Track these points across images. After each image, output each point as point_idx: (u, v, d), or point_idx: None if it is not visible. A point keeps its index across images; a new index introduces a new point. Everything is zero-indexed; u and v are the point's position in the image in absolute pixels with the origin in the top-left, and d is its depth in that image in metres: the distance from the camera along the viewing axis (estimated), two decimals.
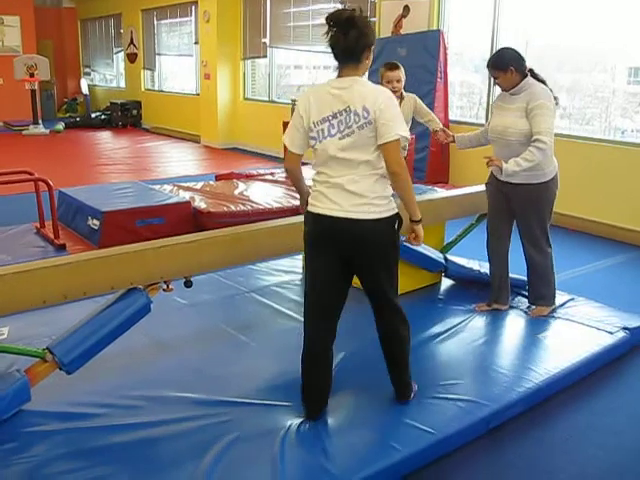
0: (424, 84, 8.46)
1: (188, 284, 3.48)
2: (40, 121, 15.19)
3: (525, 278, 4.37)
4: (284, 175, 8.53)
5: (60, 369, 3.08)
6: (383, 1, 9.44)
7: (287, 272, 5.08)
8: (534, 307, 4.32)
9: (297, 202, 6.79)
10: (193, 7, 13.56)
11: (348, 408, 3.16)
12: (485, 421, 3.09)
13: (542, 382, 3.39)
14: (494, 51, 7.96)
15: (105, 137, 14.62)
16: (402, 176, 2.79)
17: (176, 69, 15.60)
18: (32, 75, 14.86)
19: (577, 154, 6.85)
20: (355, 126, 2.74)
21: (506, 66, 3.86)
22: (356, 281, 3.00)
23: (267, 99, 12.49)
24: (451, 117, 8.76)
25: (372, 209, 2.80)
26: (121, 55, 17.36)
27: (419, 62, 8.57)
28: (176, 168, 10.80)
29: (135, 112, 16.36)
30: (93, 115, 16.43)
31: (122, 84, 17.80)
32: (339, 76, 2.83)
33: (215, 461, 2.73)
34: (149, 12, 15.54)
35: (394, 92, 4.52)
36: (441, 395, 3.23)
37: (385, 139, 2.74)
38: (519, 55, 3.92)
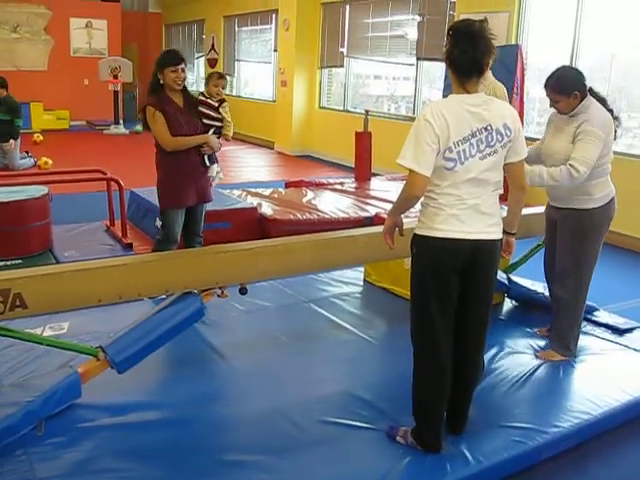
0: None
1: (243, 291, 3.48)
2: (121, 121, 15.62)
3: (594, 304, 4.22)
4: (354, 185, 8.52)
5: (111, 368, 3.12)
6: (461, 14, 9.31)
7: (347, 283, 5.04)
8: (547, 349, 3.90)
9: (364, 213, 6.83)
10: (274, 15, 13.70)
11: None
12: (537, 451, 2.97)
13: (600, 415, 3.24)
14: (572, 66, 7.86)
15: None
16: (526, 192, 2.91)
17: (254, 75, 15.79)
18: (116, 77, 15.29)
19: None
20: (499, 145, 2.67)
21: (570, 91, 3.51)
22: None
23: (342, 108, 12.49)
24: (528, 134, 8.56)
25: (499, 228, 2.78)
26: (202, 60, 17.68)
27: (497, 77, 8.39)
28: (248, 173, 10.90)
29: None
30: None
31: (201, 88, 18.05)
32: (464, 90, 2.67)
33: (263, 468, 2.73)
34: (231, 19, 15.79)
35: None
36: (494, 421, 3.13)
37: (521, 156, 2.79)
38: (582, 76, 3.59)
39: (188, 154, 4.31)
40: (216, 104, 4.46)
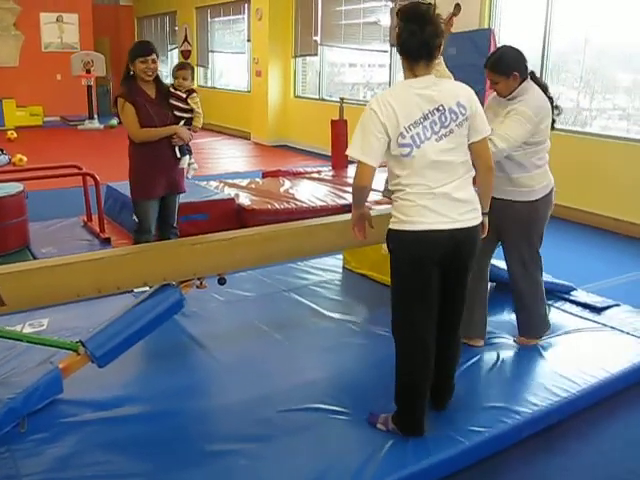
0: (474, 84, 8.28)
1: (222, 281, 3.48)
2: (95, 116, 15.50)
3: (571, 284, 4.26)
4: (330, 173, 8.53)
5: (92, 362, 3.11)
6: None
7: (326, 271, 5.05)
8: (520, 336, 3.85)
9: (341, 201, 6.84)
10: (246, 5, 13.64)
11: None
12: (518, 429, 3.01)
13: (579, 392, 3.28)
14: (545, 49, 7.90)
15: None
16: (494, 171, 2.92)
17: (229, 66, 15.72)
18: (88, 71, 15.16)
19: (637, 157, 6.64)
20: (453, 124, 2.62)
21: (509, 71, 3.38)
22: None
23: (317, 97, 12.48)
24: None
25: (477, 214, 2.74)
26: (175, 52, 17.56)
27: (469, 61, 8.41)
28: (224, 165, 10.87)
29: None
30: None
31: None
32: (412, 75, 2.66)
33: (247, 455, 2.75)
34: (203, 10, 15.69)
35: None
36: (475, 403, 3.17)
37: (483, 134, 2.74)
38: (523, 58, 3.47)
39: (159, 145, 4.30)
40: (184, 95, 4.44)
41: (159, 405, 3.17)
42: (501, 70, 3.39)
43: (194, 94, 4.48)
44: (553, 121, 3.53)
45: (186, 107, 4.43)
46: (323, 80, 12.41)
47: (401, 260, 2.73)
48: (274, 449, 2.83)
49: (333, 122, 9.18)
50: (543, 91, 3.48)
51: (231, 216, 6.31)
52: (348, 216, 3.85)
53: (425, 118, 2.59)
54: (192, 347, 3.76)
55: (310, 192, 7.23)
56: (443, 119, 2.60)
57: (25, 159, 9.85)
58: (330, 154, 9.40)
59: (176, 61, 17.50)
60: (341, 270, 5.07)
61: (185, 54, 16.71)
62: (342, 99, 9.47)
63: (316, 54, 12.25)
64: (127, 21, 19.64)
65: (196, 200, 6.14)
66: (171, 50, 18.00)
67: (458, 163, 2.66)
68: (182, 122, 4.40)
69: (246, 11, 13.80)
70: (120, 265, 3.08)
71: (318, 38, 12.07)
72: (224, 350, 3.74)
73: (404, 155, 2.59)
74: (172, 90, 4.44)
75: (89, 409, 3.14)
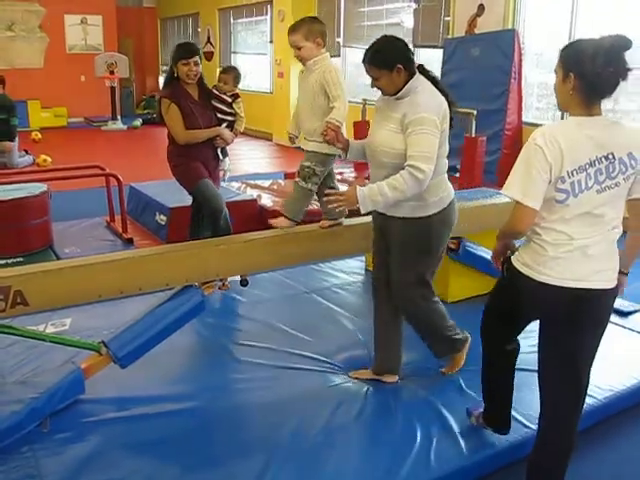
0: (498, 85, 8.27)
1: (243, 283, 3.48)
2: (118, 117, 15.59)
3: None
4: (353, 175, 8.50)
5: (114, 363, 3.12)
6: (458, 0, 9.28)
7: (349, 273, 5.03)
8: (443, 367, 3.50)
9: None
10: (268, 6, 13.65)
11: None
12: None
13: (605, 399, 3.23)
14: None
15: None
16: None
17: (251, 67, 15.75)
18: (112, 73, 15.26)
19: None
20: (621, 177, 2.29)
21: (391, 64, 2.90)
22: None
23: None
24: (527, 119, 8.54)
25: (610, 276, 2.37)
26: None
27: (493, 63, 8.39)
28: (247, 166, 10.88)
29: None
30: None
31: None
32: (586, 112, 2.29)
33: (274, 456, 2.75)
34: (226, 11, 15.73)
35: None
36: None
37: None
38: (407, 48, 3.00)
39: (201, 147, 4.31)
40: (230, 99, 4.46)
41: (181, 405, 3.17)
42: (382, 63, 2.92)
43: (239, 99, 4.51)
44: (451, 119, 3.01)
45: (230, 110, 4.45)
46: (345, 81, 12.36)
47: (517, 295, 2.50)
48: (302, 449, 2.83)
49: (355, 123, 9.15)
50: (435, 85, 3.01)
51: (253, 217, 6.31)
52: (371, 218, 3.85)
53: (591, 165, 2.27)
54: (214, 348, 3.76)
55: None
56: (610, 169, 2.28)
57: (49, 160, 9.93)
58: None
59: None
60: (363, 272, 5.04)
61: (208, 55, 16.76)
62: (365, 100, 9.43)
63: (338, 55, 12.22)
64: (150, 23, 19.74)
65: None
66: None
67: (609, 218, 2.33)
68: (224, 124, 4.42)
69: (269, 12, 13.82)
70: (142, 266, 3.08)
71: (340, 39, 12.06)
72: (246, 351, 3.73)
73: (558, 201, 2.29)
74: (216, 92, 4.45)
75: (111, 409, 3.15)
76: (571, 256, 2.31)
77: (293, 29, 3.36)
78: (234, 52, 15.78)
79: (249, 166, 10.87)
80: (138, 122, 15.56)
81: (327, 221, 3.62)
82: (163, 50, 20.01)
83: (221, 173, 4.60)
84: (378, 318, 3.39)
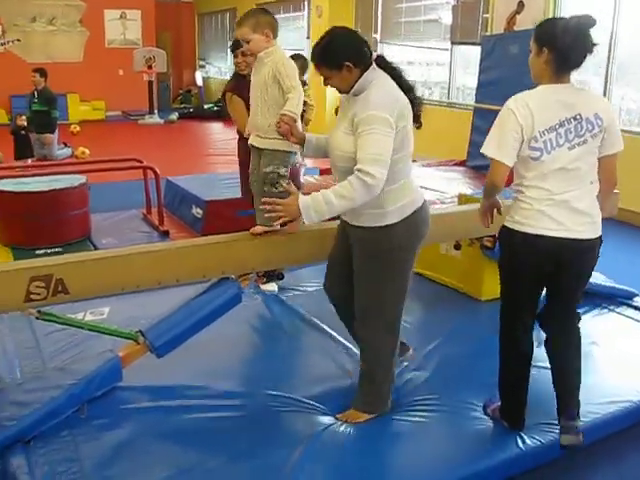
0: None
1: (280, 276, 3.50)
2: (155, 111, 15.76)
3: (633, 290, 4.12)
4: None
5: (151, 352, 3.17)
6: None
7: None
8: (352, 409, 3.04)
9: None
10: (306, 2, 13.68)
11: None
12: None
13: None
14: (611, 50, 7.69)
15: (216, 128, 14.98)
16: (615, 187, 2.81)
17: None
18: (150, 67, 15.43)
19: None
20: (588, 135, 2.58)
21: (339, 62, 2.66)
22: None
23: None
24: None
25: (594, 227, 2.65)
26: None
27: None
28: None
29: None
30: (206, 106, 16.89)
31: None
32: (557, 81, 2.59)
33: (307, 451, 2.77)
34: (263, 7, 15.76)
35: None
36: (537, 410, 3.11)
37: (617, 148, 2.68)
38: (357, 41, 2.73)
39: None
40: None
41: (215, 396, 3.21)
42: (328, 62, 2.70)
43: (306, 87, 4.46)
44: (417, 116, 2.79)
45: None
46: None
47: (507, 259, 2.76)
48: (341, 443, 2.85)
49: None
50: (397, 80, 2.75)
51: None
52: None
53: (561, 125, 2.56)
54: (251, 339, 3.80)
55: None
56: (579, 128, 2.57)
57: (87, 152, 10.08)
58: None
59: None
60: None
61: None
62: None
63: (376, 51, 12.18)
64: (188, 18, 19.89)
65: None
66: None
67: (583, 173, 2.61)
68: None
69: (306, 8, 13.84)
70: (180, 258, 3.11)
71: (377, 36, 12.04)
72: (282, 343, 3.78)
73: (533, 158, 2.57)
74: None
75: (146, 398, 3.20)
76: (556, 210, 2.58)
77: (239, 22, 3.24)
78: None
79: None
80: (174, 116, 15.71)
81: (261, 227, 3.26)
82: (200, 45, 20.15)
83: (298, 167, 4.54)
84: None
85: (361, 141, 2.59)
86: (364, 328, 2.96)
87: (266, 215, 2.81)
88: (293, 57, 4.61)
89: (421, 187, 7.18)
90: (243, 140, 4.26)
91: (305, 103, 4.38)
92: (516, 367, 2.87)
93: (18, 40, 15.95)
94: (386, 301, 2.86)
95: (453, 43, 10.28)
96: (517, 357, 2.86)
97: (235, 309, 3.31)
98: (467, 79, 10.56)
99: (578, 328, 2.83)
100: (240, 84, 4.28)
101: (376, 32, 12.05)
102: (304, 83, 4.49)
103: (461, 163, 8.97)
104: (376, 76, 2.70)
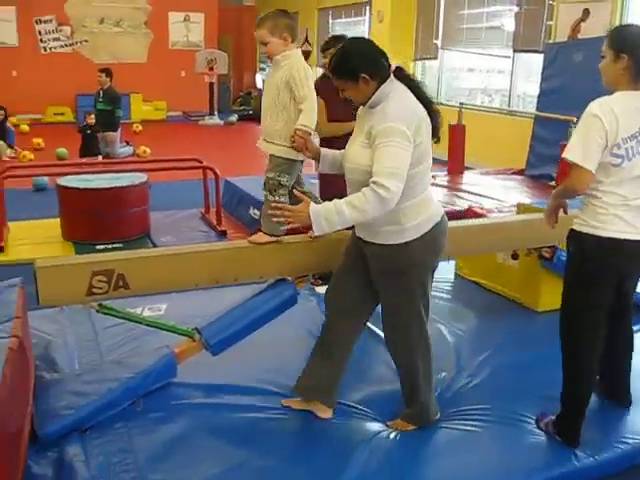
0: (601, 92, 8.02)
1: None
2: (215, 112, 15.98)
3: None
4: (446, 179, 8.44)
5: (206, 349, 3.21)
6: (561, 4, 9.07)
7: (438, 276, 4.93)
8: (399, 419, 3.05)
9: (456, 207, 6.73)
10: (367, 7, 13.69)
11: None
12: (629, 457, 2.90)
13: None
14: None
15: None
16: None
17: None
18: (211, 69, 15.66)
19: None
20: None
21: (354, 73, 2.61)
22: None
23: (435, 101, 12.32)
24: None
25: None
26: None
27: (596, 69, 8.11)
28: None
29: None
30: None
31: None
32: (637, 88, 2.61)
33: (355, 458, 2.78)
34: (325, 11, 15.86)
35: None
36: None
37: None
38: (375, 52, 2.66)
39: (345, 142, 4.28)
40: None
41: (266, 396, 3.23)
42: (345, 73, 2.65)
43: None
44: (435, 129, 2.72)
45: None
46: (442, 84, 12.29)
47: (579, 263, 2.76)
48: (392, 451, 2.85)
49: (451, 127, 9.06)
50: (415, 92, 2.69)
51: None
52: (464, 222, 3.83)
53: None
54: (304, 341, 3.79)
55: None
56: None
57: (149, 151, 10.29)
58: (447, 159, 9.30)
59: None
60: (453, 276, 5.01)
61: (305, 55, 16.90)
62: (462, 104, 9.35)
63: (436, 58, 12.15)
64: (250, 21, 19.98)
65: None
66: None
67: None
68: None
69: (367, 13, 13.85)
70: (238, 258, 3.16)
71: (439, 42, 11.98)
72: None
73: (613, 164, 2.59)
74: None
75: (200, 394, 3.25)
76: (631, 214, 2.62)
77: (258, 24, 3.19)
78: None
79: None
80: (234, 118, 15.89)
81: (265, 235, 3.21)
82: (261, 48, 20.29)
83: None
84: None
85: (378, 153, 2.53)
86: (394, 346, 2.94)
87: (274, 219, 2.75)
88: None
89: (479, 195, 7.21)
90: (322, 142, 4.29)
91: None
92: (588, 379, 2.85)
93: (86, 41, 16.37)
94: (411, 316, 2.81)
95: (515, 50, 10.16)
96: (590, 367, 2.84)
97: (290, 310, 3.34)
98: (528, 87, 10.43)
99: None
100: (325, 85, 4.28)
101: (437, 38, 11.99)
102: None
103: (520, 172, 8.85)
104: (394, 88, 2.64)
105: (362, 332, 3.09)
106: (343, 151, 2.90)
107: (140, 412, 3.06)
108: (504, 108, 10.63)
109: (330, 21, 15.75)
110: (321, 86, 4.21)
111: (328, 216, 2.54)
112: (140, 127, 13.50)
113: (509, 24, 10.22)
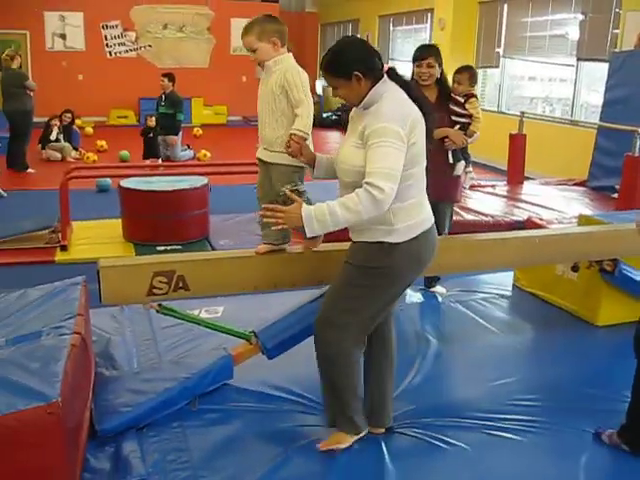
0: None
1: None
2: None
3: None
4: (505, 189, 8.36)
5: (262, 353, 3.24)
6: (628, 12, 8.88)
7: (495, 286, 4.93)
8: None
9: (515, 217, 6.65)
10: (429, 14, 13.64)
11: None
12: None
13: None
14: None
15: (334, 137, 15.12)
16: None
17: (407, 74, 15.77)
18: None
19: None
20: None
21: (347, 71, 2.53)
22: None
23: (496, 110, 12.24)
24: None
25: None
26: None
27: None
28: None
29: None
30: (325, 115, 17.10)
31: None
32: None
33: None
34: (386, 18, 15.85)
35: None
36: None
37: None
38: (369, 50, 2.60)
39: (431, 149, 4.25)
40: (462, 99, 4.41)
41: (319, 403, 3.22)
42: (337, 70, 2.57)
43: (473, 99, 4.45)
44: (430, 133, 2.66)
45: (462, 112, 4.36)
46: (503, 93, 12.15)
47: None
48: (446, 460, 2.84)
49: (512, 136, 8.97)
50: (408, 92, 2.62)
51: None
52: (524, 232, 3.80)
53: None
54: None
55: (483, 206, 7.11)
56: None
57: (209, 154, 10.43)
58: (506, 169, 9.20)
59: None
60: (511, 287, 4.94)
61: None
62: (523, 113, 9.23)
63: (497, 66, 12.02)
64: (311, 27, 20.20)
65: None
66: None
67: None
68: (457, 127, 4.31)
69: (429, 20, 13.79)
70: (297, 263, 3.18)
71: (500, 50, 11.85)
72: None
73: None
74: (452, 94, 4.40)
75: (255, 397, 3.27)
76: None
77: (245, 30, 3.10)
78: (392, 59, 15.87)
79: None
80: None
81: (265, 245, 3.20)
82: (321, 54, 20.43)
83: (462, 179, 4.54)
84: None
85: (371, 153, 2.45)
86: (321, 343, 2.75)
87: (265, 220, 2.60)
88: (460, 69, 4.60)
89: (539, 206, 7.10)
90: None
91: (471, 116, 4.34)
92: None
93: (150, 46, 16.68)
94: (360, 319, 2.68)
95: (579, 59, 9.99)
96: None
97: None
98: (591, 96, 10.24)
99: None
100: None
101: (499, 46, 11.86)
102: (473, 95, 4.46)
103: (581, 183, 8.68)
104: (387, 88, 2.57)
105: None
106: (331, 157, 2.85)
107: (195, 412, 3.10)
108: (565, 118, 10.46)
109: (391, 28, 15.74)
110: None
111: (320, 217, 2.44)
112: (201, 131, 13.71)
113: (573, 32, 10.05)
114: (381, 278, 2.61)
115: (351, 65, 2.52)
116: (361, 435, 2.88)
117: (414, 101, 2.59)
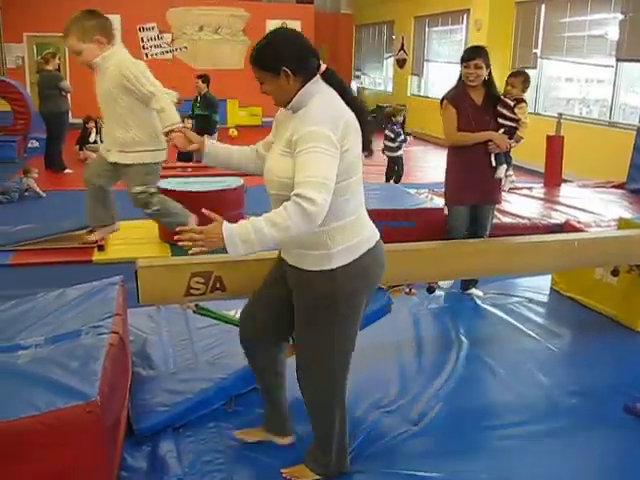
0: None
1: (430, 290, 3.50)
2: None
3: None
4: (542, 191, 8.27)
5: None
6: None
7: (533, 290, 4.87)
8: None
9: (552, 220, 6.57)
10: (465, 15, 13.55)
11: None
12: None
13: None
14: None
15: None
16: None
17: (444, 76, 15.69)
18: None
19: None
20: None
21: (276, 65, 2.27)
22: None
23: (532, 111, 12.10)
24: None
25: None
26: (390, 60, 17.83)
27: None
28: (434, 174, 10.82)
29: None
30: None
31: (389, 88, 18.28)
32: None
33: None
34: (421, 20, 15.78)
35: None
36: None
37: None
38: (303, 47, 2.33)
39: (474, 151, 4.27)
40: (512, 103, 4.41)
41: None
42: (264, 64, 2.30)
43: (523, 104, 4.45)
44: (368, 142, 2.41)
45: (510, 115, 4.38)
46: (540, 94, 12.02)
47: None
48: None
49: (549, 138, 8.86)
50: (342, 94, 2.36)
51: (438, 226, 6.27)
52: (562, 236, 3.75)
53: None
54: (392, 353, 3.81)
55: (520, 208, 7.04)
56: None
57: None
58: (543, 171, 9.09)
59: (391, 69, 17.80)
60: (548, 291, 4.88)
61: (400, 63, 16.91)
62: (560, 114, 9.11)
63: (535, 67, 11.89)
64: (346, 29, 20.20)
65: (405, 207, 6.16)
66: (387, 58, 18.29)
67: None
68: (502, 130, 4.33)
69: (464, 21, 13.70)
70: None
71: (538, 50, 11.72)
72: (412, 358, 3.78)
73: None
74: (502, 97, 4.42)
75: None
76: None
77: (64, 34, 2.84)
78: (427, 60, 15.80)
79: (436, 175, 10.78)
80: None
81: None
82: (356, 55, 20.42)
83: (502, 182, 4.58)
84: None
85: (300, 161, 2.17)
86: (306, 378, 2.55)
87: (180, 244, 2.28)
88: (515, 73, 4.64)
89: (576, 208, 7.02)
90: (451, 150, 4.36)
91: (518, 121, 4.31)
92: None
93: (185, 47, 16.87)
94: (331, 350, 2.45)
95: (619, 60, 9.84)
96: None
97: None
98: (630, 98, 10.08)
99: None
100: (460, 94, 4.29)
101: (536, 47, 11.72)
102: (523, 100, 4.45)
103: (620, 186, 8.55)
104: (319, 89, 2.32)
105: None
106: (230, 146, 2.65)
107: (231, 413, 3.12)
108: (603, 119, 10.31)
109: (426, 29, 15.67)
110: (456, 95, 4.22)
111: (244, 237, 2.16)
112: (236, 132, 13.78)
113: (613, 32, 9.90)
114: (336, 307, 2.37)
115: (281, 60, 2.26)
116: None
117: (352, 106, 2.34)
